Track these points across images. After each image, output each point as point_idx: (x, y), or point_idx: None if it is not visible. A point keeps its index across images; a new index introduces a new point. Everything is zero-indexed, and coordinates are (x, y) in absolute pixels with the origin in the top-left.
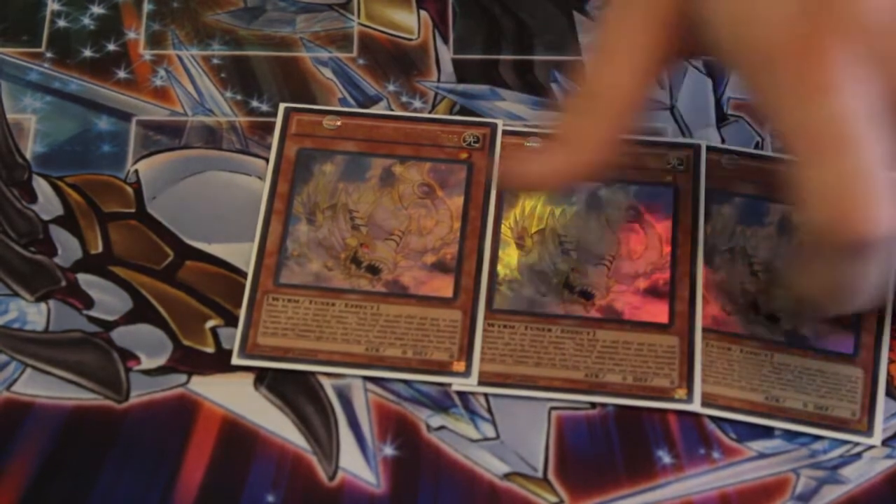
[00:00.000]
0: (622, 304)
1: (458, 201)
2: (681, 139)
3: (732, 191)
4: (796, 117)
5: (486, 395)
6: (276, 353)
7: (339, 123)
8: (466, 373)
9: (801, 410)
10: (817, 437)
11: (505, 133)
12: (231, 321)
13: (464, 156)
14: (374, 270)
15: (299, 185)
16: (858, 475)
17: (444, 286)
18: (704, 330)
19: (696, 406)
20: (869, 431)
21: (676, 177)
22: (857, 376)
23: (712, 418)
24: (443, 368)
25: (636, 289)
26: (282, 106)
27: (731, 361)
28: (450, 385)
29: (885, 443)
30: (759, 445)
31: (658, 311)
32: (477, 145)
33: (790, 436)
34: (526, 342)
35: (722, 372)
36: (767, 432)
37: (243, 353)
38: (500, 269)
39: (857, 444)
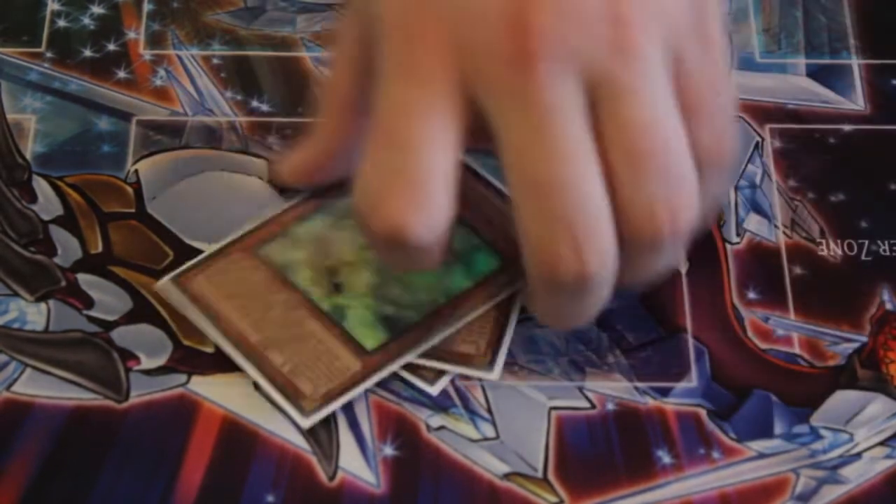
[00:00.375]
0: None
1: None
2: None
3: None
4: (375, 100)
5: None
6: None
7: None
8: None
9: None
10: (818, 437)
11: None
12: None
13: None
14: None
15: None
16: (858, 475)
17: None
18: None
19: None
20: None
21: None
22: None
23: (711, 418)
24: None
25: None
26: None
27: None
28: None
29: (884, 443)
30: (758, 445)
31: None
32: None
33: (790, 436)
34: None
35: None
36: (767, 432)
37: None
38: None
39: (856, 443)
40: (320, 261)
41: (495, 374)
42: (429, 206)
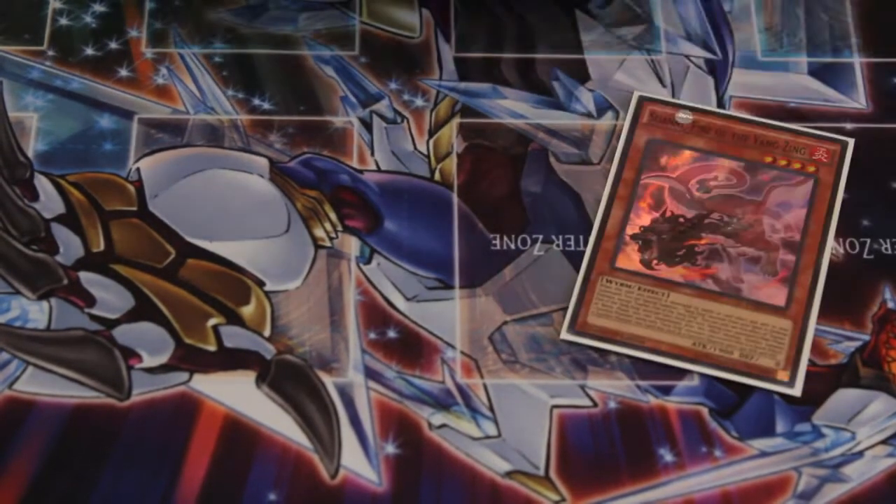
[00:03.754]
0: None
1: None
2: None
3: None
4: None
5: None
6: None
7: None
8: (790, 382)
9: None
10: (820, 435)
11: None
12: (233, 319)
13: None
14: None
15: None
16: (860, 474)
17: (776, 294)
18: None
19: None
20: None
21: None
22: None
23: (713, 416)
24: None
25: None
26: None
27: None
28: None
29: (886, 441)
30: (760, 444)
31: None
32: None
33: (792, 434)
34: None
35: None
36: (769, 430)
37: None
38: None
39: (858, 442)
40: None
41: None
42: None
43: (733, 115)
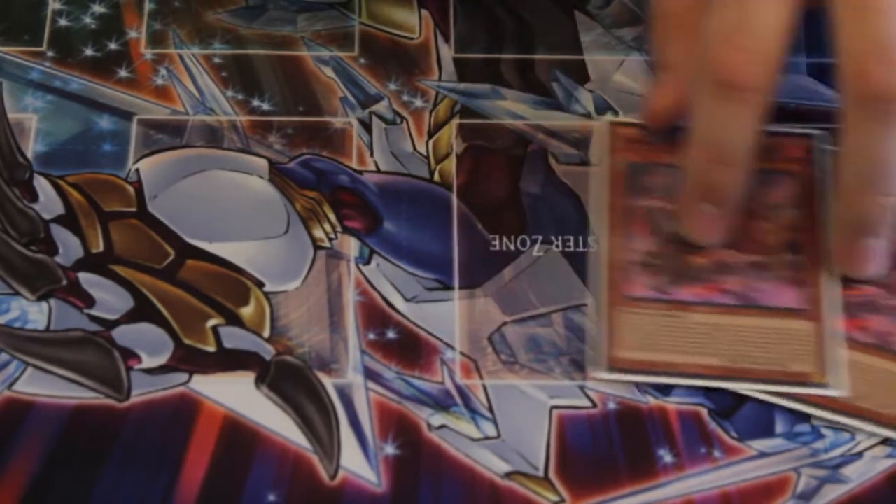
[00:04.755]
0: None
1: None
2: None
3: None
4: None
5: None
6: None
7: None
8: (831, 383)
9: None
10: (819, 436)
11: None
12: (232, 320)
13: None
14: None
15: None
16: (860, 474)
17: (792, 297)
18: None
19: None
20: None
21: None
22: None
23: (712, 417)
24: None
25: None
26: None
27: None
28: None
29: (886, 442)
30: (760, 444)
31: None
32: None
33: (791, 435)
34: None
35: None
36: (768, 431)
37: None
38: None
39: (857, 442)
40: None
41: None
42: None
43: None
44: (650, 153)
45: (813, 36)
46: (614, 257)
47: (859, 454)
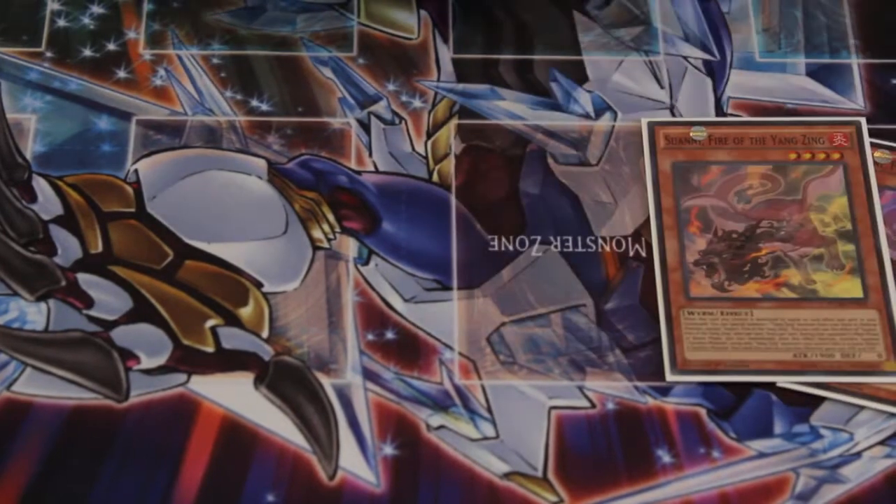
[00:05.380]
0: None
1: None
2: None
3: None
4: None
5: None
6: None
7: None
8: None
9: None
10: (818, 436)
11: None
12: (231, 320)
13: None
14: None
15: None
16: (858, 474)
17: (851, 287)
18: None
19: None
20: None
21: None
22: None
23: (711, 417)
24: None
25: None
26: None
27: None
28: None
29: (884, 442)
30: (758, 444)
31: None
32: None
33: (790, 435)
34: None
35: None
36: (767, 431)
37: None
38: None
39: (856, 443)
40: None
41: None
42: None
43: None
44: (695, 151)
45: (812, 35)
46: (671, 259)
47: (858, 454)
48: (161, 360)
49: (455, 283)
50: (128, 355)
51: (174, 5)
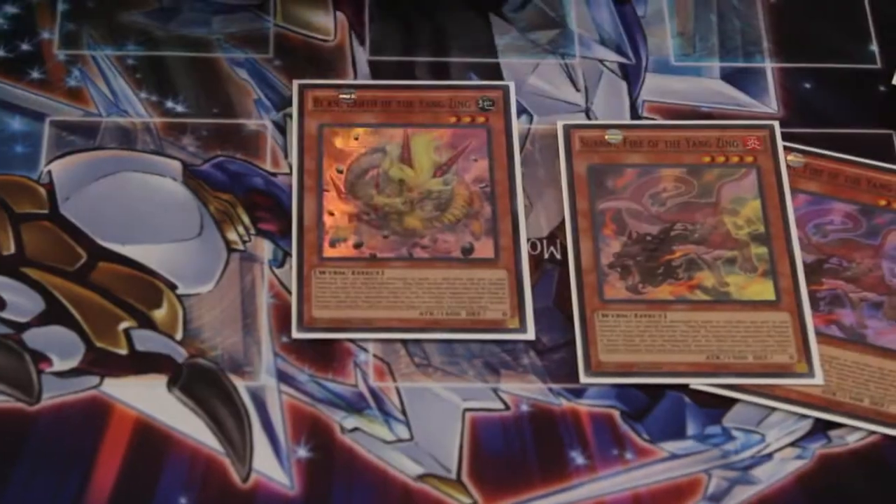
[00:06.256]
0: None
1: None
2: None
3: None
4: None
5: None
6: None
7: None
8: (809, 372)
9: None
10: (730, 438)
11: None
12: (144, 323)
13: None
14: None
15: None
16: (769, 475)
17: (765, 290)
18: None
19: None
20: (811, 373)
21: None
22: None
23: (624, 419)
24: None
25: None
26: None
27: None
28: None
29: (795, 443)
30: (671, 446)
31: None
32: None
33: (702, 436)
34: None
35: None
36: (680, 433)
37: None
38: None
39: (767, 444)
40: None
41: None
42: None
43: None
44: (610, 154)
45: (727, 40)
46: (586, 262)
47: (769, 455)
48: (74, 363)
49: None
50: (40, 358)
51: (89, 6)
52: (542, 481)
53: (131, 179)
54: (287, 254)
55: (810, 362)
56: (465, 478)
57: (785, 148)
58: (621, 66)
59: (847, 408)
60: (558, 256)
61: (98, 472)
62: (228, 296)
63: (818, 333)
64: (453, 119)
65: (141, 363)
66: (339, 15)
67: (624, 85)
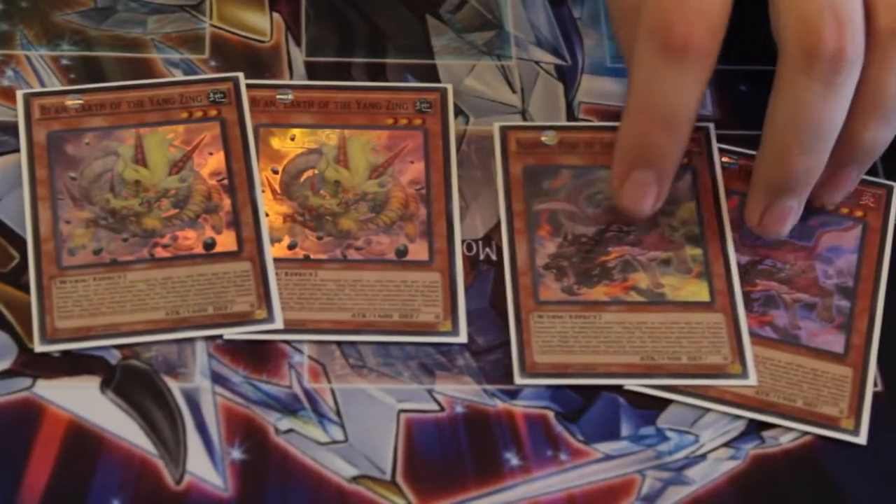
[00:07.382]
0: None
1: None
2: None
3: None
4: None
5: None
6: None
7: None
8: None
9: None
10: (664, 438)
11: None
12: None
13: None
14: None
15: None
16: (703, 476)
17: (698, 290)
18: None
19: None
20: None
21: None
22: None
23: (559, 420)
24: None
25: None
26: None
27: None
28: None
29: (729, 444)
30: (605, 447)
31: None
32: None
33: (636, 437)
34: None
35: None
36: (614, 434)
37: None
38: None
39: (701, 445)
40: None
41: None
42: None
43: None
44: (546, 155)
45: None
46: (521, 263)
47: (703, 456)
48: (6, 365)
49: None
50: None
51: (23, 5)
52: (477, 482)
53: None
54: None
55: (744, 363)
56: (399, 479)
57: (720, 150)
58: (557, 67)
59: (780, 408)
60: (494, 258)
61: (30, 475)
62: None
63: (752, 334)
64: (390, 121)
65: (74, 365)
66: (276, 16)
67: (560, 86)
